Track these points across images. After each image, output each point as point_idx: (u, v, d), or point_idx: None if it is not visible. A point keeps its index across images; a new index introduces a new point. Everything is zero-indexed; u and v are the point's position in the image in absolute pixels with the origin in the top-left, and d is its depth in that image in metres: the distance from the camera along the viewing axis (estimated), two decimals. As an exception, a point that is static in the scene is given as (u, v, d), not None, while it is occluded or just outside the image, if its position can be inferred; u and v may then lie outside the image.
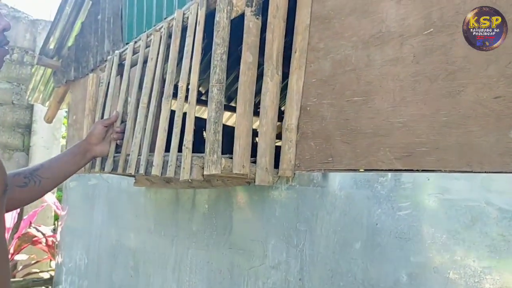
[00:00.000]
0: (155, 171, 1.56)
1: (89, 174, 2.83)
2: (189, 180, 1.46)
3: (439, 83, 1.08)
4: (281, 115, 1.50)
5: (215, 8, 1.48)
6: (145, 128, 1.73)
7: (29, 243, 4.84)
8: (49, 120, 4.55)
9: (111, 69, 2.06)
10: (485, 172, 0.97)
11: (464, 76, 1.04)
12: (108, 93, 2.01)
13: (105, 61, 2.30)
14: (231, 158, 1.39)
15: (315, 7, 1.45)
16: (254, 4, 1.44)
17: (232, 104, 4.25)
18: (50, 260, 5.06)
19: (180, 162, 1.46)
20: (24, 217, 5.11)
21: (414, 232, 1.07)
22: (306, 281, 1.34)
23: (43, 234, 4.87)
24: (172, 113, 1.61)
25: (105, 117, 1.97)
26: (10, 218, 4.78)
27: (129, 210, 2.51)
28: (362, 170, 1.24)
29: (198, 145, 1.58)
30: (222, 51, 1.41)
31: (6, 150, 6.00)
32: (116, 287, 2.57)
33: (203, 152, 1.41)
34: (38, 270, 4.87)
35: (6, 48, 0.96)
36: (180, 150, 1.50)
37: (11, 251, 4.74)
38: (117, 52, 2.09)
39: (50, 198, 5.13)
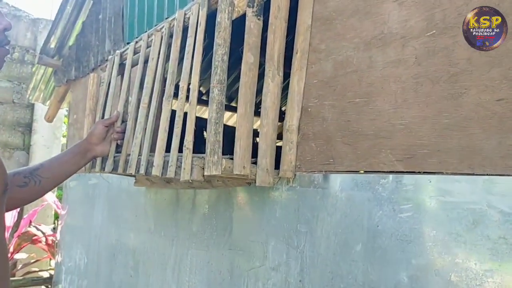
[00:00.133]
0: (156, 171, 1.56)
1: (90, 173, 2.83)
2: (190, 181, 1.45)
3: (441, 85, 1.08)
4: (281, 116, 1.49)
5: (216, 9, 1.48)
6: (145, 128, 1.72)
7: (29, 242, 4.84)
8: (49, 119, 4.55)
9: (112, 68, 2.06)
10: (487, 174, 0.97)
11: (466, 78, 1.04)
12: (108, 93, 2.01)
13: (106, 60, 2.30)
14: (232, 159, 1.38)
15: (317, 8, 1.44)
16: (255, 4, 1.44)
17: (233, 104, 4.25)
18: (50, 259, 5.06)
19: (181, 163, 1.46)
20: (24, 216, 5.11)
21: (416, 235, 1.07)
22: (307, 282, 1.33)
23: (43, 233, 4.87)
24: (173, 113, 1.61)
25: (106, 117, 1.96)
26: (10, 216, 4.78)
27: (129, 210, 2.51)
28: (362, 172, 1.24)
29: (199, 145, 1.58)
30: (223, 51, 1.41)
31: (7, 149, 6.00)
32: (115, 287, 2.56)
33: (204, 152, 1.41)
34: (37, 269, 4.87)
35: (7, 47, 0.95)
36: (180, 150, 1.50)
37: (11, 249, 4.74)
38: (118, 51, 2.09)
39: (50, 197, 5.13)
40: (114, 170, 1.82)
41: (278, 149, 1.47)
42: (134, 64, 1.97)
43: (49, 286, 4.06)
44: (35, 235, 4.85)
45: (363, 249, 1.18)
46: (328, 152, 1.34)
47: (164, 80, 1.74)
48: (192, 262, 1.89)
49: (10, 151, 6.02)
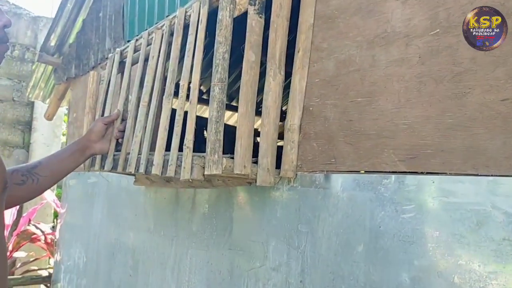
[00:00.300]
0: (156, 170, 1.55)
1: (89, 172, 2.82)
2: (190, 180, 1.44)
3: (445, 85, 1.07)
4: (282, 115, 1.48)
5: (217, 6, 1.46)
6: (145, 127, 1.71)
7: (28, 240, 4.83)
8: (49, 117, 4.54)
9: (112, 67, 2.05)
10: (491, 175, 0.95)
11: (470, 77, 1.02)
12: (108, 91, 1.99)
13: (106, 58, 2.29)
14: (232, 158, 1.37)
15: (319, 6, 1.43)
16: (257, 2, 1.43)
17: (233, 103, 4.24)
18: (49, 258, 5.05)
19: (181, 162, 1.45)
20: (24, 214, 5.10)
21: (418, 235, 1.06)
22: (307, 283, 1.32)
23: (42, 232, 4.85)
24: (173, 112, 1.60)
25: (106, 115, 1.95)
26: (9, 215, 4.76)
27: (129, 209, 2.50)
28: (363, 172, 1.22)
29: (199, 145, 1.57)
30: (224, 50, 1.40)
31: (6, 147, 5.99)
32: (115, 286, 2.55)
33: (203, 152, 1.40)
34: (36, 268, 4.86)
35: (7, 45, 0.94)
36: (180, 149, 1.49)
37: (10, 248, 4.72)
38: (118, 49, 2.08)
39: (49, 195, 5.12)
40: (114, 168, 1.81)
41: (279, 149, 1.46)
42: (134, 62, 1.96)
43: (48, 284, 4.05)
44: (34, 233, 4.84)
45: (365, 250, 1.17)
46: (329, 152, 1.33)
47: (164, 79, 1.72)
48: (192, 262, 1.88)
49: (9, 149, 6.01)
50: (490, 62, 0.99)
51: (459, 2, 1.07)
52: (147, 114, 1.73)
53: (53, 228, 5.20)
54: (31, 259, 4.86)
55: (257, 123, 1.82)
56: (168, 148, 1.56)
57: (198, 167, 1.40)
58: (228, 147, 1.43)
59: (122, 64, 2.03)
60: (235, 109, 3.67)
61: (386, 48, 1.21)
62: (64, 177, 1.31)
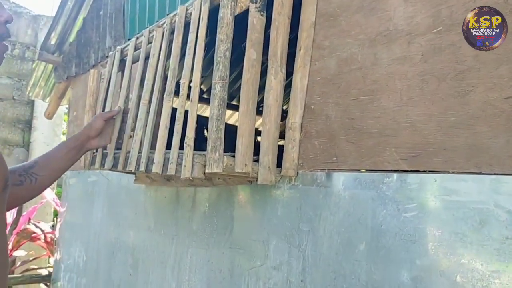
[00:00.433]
0: (156, 168, 1.54)
1: (89, 170, 2.81)
2: (190, 178, 1.44)
3: (448, 83, 1.06)
4: (283, 115, 1.47)
5: (218, 4, 1.46)
6: (146, 125, 1.71)
7: (27, 239, 4.82)
8: (49, 116, 4.53)
9: (113, 65, 2.04)
10: (494, 174, 0.95)
11: (473, 75, 1.02)
12: (109, 90, 1.99)
13: (107, 57, 2.28)
14: (233, 156, 1.36)
15: (321, 4, 1.42)
16: (258, 0, 1.42)
17: (234, 102, 4.23)
18: (49, 257, 5.04)
19: (182, 160, 1.44)
20: (23, 213, 5.09)
21: (420, 234, 1.05)
22: (308, 282, 1.32)
23: (42, 231, 4.85)
24: (174, 110, 1.59)
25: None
26: (9, 214, 4.76)
27: (129, 208, 2.49)
28: (364, 170, 1.22)
29: (199, 144, 1.56)
30: (225, 47, 1.39)
31: (6, 145, 5.98)
32: (114, 285, 2.55)
33: (203, 151, 1.39)
34: (36, 267, 4.85)
35: (6, 44, 0.94)
36: (181, 148, 1.48)
37: (10, 247, 4.72)
38: (118, 48, 2.07)
39: (49, 194, 5.11)
40: (114, 167, 1.80)
41: (280, 148, 1.45)
42: (135, 60, 1.95)
43: (48, 283, 4.05)
44: (34, 232, 4.83)
45: (367, 248, 1.16)
46: (331, 150, 1.32)
47: (165, 77, 1.72)
48: (192, 261, 1.87)
49: (9, 148, 6.00)
50: (494, 60, 0.99)
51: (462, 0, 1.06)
52: (148, 112, 1.73)
53: (53, 227, 5.19)
54: (31, 258, 4.85)
55: (258, 123, 1.81)
56: (168, 146, 1.55)
57: (199, 165, 1.40)
58: (229, 146, 1.42)
59: (122, 62, 2.02)
60: (235, 108, 3.67)
61: (388, 46, 1.20)
62: (62, 174, 1.29)
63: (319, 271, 1.29)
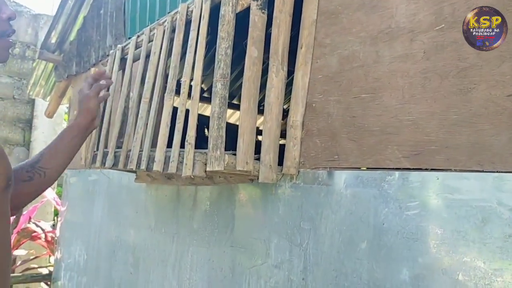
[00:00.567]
0: (157, 166, 1.54)
1: (90, 169, 2.81)
2: (191, 177, 1.43)
3: (450, 80, 1.06)
4: (284, 113, 1.47)
5: (220, 2, 1.45)
6: (147, 124, 1.70)
7: (28, 238, 4.82)
8: (50, 115, 4.53)
9: (113, 63, 2.04)
10: (497, 171, 0.94)
11: (476, 73, 1.01)
12: (110, 88, 1.98)
13: (107, 55, 2.28)
14: (235, 154, 1.36)
15: (322, 2, 1.42)
16: (260, -2, 1.42)
17: (235, 101, 4.22)
18: (49, 256, 5.04)
19: (183, 158, 1.44)
20: (24, 212, 5.09)
21: (422, 233, 1.05)
22: (310, 281, 1.31)
23: (43, 230, 4.84)
24: (174, 108, 1.59)
25: (106, 113, 1.94)
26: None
27: (130, 207, 2.49)
28: (364, 168, 1.21)
29: (200, 143, 1.56)
30: (226, 45, 1.39)
31: (7, 145, 5.98)
32: (115, 284, 2.54)
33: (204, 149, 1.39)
34: (37, 266, 4.85)
35: (11, 40, 0.94)
36: (182, 146, 1.48)
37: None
38: (119, 46, 2.07)
39: (50, 193, 5.10)
40: (115, 165, 1.80)
41: (282, 146, 1.45)
42: (135, 59, 1.95)
43: (48, 282, 4.05)
44: (35, 231, 4.83)
45: (368, 247, 1.16)
46: (332, 149, 1.32)
47: (166, 75, 1.72)
48: (193, 259, 1.87)
49: (10, 147, 6.00)
50: (496, 58, 0.98)
51: (464, -3, 1.06)
52: (149, 110, 1.73)
53: (54, 226, 5.19)
54: (32, 257, 4.85)
55: (259, 121, 1.81)
56: (169, 145, 1.55)
57: (200, 164, 1.39)
58: (229, 145, 1.42)
59: (123, 60, 2.02)
60: (236, 107, 3.66)
61: (390, 43, 1.20)
62: (70, 162, 1.26)
63: (321, 270, 1.29)
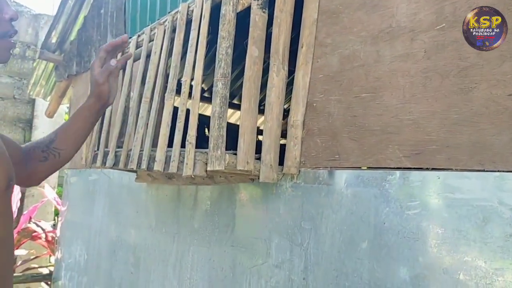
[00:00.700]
0: (158, 166, 1.54)
1: (90, 169, 2.81)
2: (192, 176, 1.43)
3: (451, 80, 1.06)
4: (285, 113, 1.47)
5: (220, 1, 1.45)
6: (147, 123, 1.70)
7: (28, 238, 4.82)
8: (50, 115, 4.53)
9: (114, 63, 2.03)
10: (498, 171, 0.94)
11: (477, 72, 1.01)
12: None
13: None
14: (235, 154, 1.36)
15: (323, 1, 1.42)
16: (260, -3, 1.42)
17: (235, 101, 4.22)
18: (50, 256, 5.04)
19: (183, 158, 1.44)
20: (24, 212, 5.09)
21: (423, 232, 1.05)
22: (311, 280, 1.31)
23: (43, 229, 4.84)
24: (175, 108, 1.59)
25: (106, 113, 1.94)
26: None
27: (130, 206, 2.49)
28: (365, 168, 1.21)
29: (200, 143, 1.56)
30: (227, 44, 1.39)
31: (7, 144, 5.97)
32: (116, 283, 2.54)
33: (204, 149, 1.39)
34: (37, 266, 4.85)
35: (12, 41, 0.94)
36: (183, 145, 1.48)
37: (11, 246, 4.70)
38: (120, 46, 2.06)
39: (50, 193, 5.11)
40: (115, 165, 1.80)
41: (282, 146, 1.45)
42: (136, 58, 1.95)
43: (49, 282, 4.05)
44: (35, 231, 4.83)
45: (369, 246, 1.16)
46: (333, 148, 1.32)
47: (166, 75, 1.72)
48: (194, 259, 1.87)
49: (10, 147, 6.00)
50: (497, 57, 0.98)
51: (465, -4, 1.05)
52: (149, 110, 1.73)
53: (54, 226, 5.19)
54: (32, 257, 4.85)
55: (259, 121, 1.81)
56: (170, 144, 1.55)
57: (200, 163, 1.39)
58: (229, 145, 1.42)
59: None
60: (236, 107, 3.66)
61: (391, 43, 1.20)
62: (84, 142, 1.27)
63: (321, 269, 1.29)
